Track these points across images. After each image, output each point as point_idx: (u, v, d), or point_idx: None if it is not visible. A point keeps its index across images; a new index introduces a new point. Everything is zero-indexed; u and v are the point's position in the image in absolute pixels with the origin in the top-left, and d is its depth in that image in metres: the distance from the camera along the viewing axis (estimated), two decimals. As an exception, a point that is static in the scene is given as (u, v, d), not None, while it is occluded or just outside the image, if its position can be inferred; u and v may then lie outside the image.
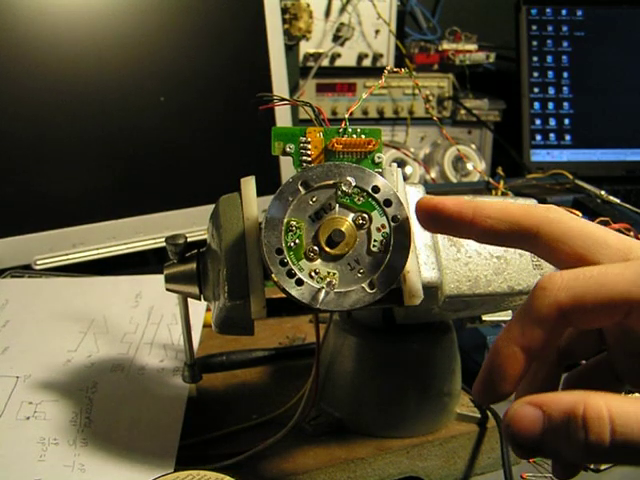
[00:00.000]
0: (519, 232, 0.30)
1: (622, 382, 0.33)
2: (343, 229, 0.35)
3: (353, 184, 0.35)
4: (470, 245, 0.42)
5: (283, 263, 0.35)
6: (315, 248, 0.35)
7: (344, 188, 0.35)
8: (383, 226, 0.36)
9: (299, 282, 0.35)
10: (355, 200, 0.36)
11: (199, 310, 0.62)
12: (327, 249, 0.36)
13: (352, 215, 0.36)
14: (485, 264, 0.42)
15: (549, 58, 1.16)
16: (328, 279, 0.36)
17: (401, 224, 0.36)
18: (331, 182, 0.36)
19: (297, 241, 0.35)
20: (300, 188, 0.36)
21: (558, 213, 0.30)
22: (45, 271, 0.73)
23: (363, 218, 0.36)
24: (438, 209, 0.32)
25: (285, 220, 0.35)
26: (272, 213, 0.35)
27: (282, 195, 0.36)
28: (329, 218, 0.36)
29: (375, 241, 0.36)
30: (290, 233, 0.35)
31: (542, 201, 0.85)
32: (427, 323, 0.49)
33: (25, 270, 0.72)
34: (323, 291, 0.35)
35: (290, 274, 0.35)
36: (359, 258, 0.36)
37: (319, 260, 0.36)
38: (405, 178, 0.41)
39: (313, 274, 0.36)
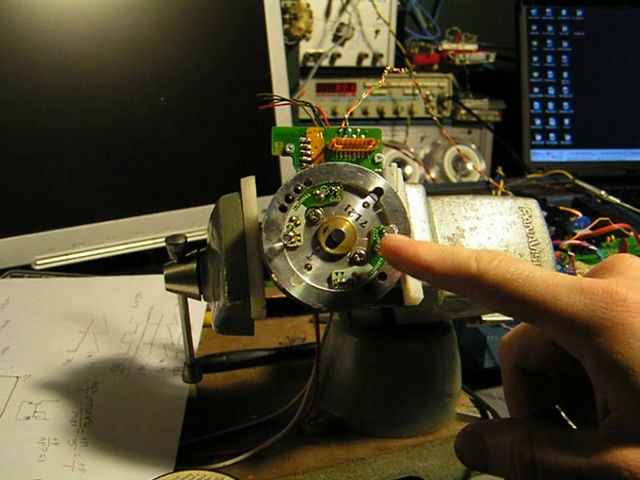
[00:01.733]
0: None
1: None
2: (343, 229, 0.35)
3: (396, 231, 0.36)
4: (470, 245, 0.42)
5: (283, 263, 0.35)
6: (315, 248, 0.35)
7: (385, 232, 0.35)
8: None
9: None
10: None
11: (199, 310, 0.62)
12: (327, 249, 0.36)
13: (354, 216, 0.36)
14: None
15: (549, 58, 1.16)
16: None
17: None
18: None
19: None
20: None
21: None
22: (45, 271, 0.73)
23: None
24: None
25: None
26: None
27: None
28: (329, 218, 0.36)
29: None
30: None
31: (542, 201, 0.85)
32: (427, 323, 0.49)
33: (25, 270, 0.72)
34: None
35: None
36: (359, 258, 0.36)
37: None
38: (405, 178, 0.41)
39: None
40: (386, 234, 0.35)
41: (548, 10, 1.16)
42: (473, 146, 1.17)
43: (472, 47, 1.17)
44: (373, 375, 0.48)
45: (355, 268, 0.36)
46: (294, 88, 1.05)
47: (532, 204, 0.45)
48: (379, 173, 0.37)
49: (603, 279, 0.28)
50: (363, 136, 0.38)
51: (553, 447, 0.27)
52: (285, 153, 0.38)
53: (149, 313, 0.63)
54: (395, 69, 0.42)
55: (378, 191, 0.36)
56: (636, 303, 0.26)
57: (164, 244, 0.42)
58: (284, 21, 0.97)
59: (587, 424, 0.33)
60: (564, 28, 1.16)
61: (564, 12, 1.16)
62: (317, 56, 1.10)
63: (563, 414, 0.34)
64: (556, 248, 0.60)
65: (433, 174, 1.14)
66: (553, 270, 0.42)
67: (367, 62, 1.14)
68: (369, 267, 0.36)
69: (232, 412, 0.51)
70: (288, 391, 0.52)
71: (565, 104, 1.15)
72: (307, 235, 0.36)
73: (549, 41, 1.16)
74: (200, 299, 0.43)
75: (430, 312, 0.44)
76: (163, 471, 0.42)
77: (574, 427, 0.33)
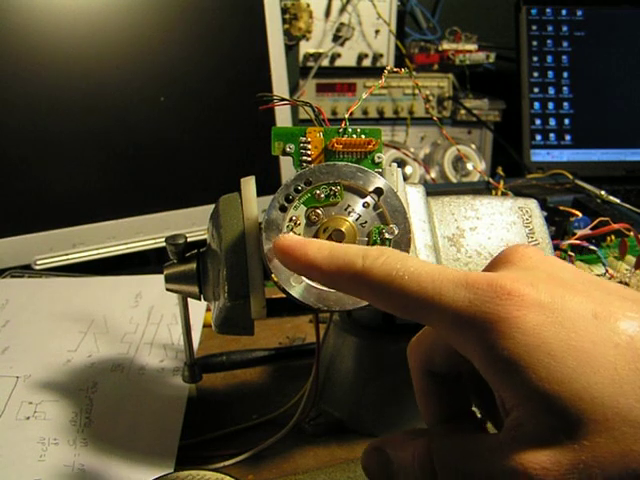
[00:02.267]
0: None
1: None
2: (343, 229, 0.35)
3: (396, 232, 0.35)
4: (470, 245, 0.43)
5: (283, 263, 0.35)
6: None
7: (387, 235, 0.35)
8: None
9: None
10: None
11: (199, 310, 0.62)
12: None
13: (354, 216, 0.36)
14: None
15: (549, 58, 1.16)
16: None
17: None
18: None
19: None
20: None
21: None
22: (45, 271, 0.73)
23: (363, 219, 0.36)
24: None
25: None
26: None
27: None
28: (329, 218, 0.36)
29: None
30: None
31: (542, 201, 0.85)
32: (427, 323, 0.49)
33: (25, 270, 0.72)
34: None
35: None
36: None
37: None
38: (405, 178, 0.41)
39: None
40: (386, 234, 0.35)
41: (548, 10, 1.16)
42: (473, 146, 1.17)
43: (472, 47, 1.17)
44: (373, 375, 0.48)
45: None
46: (294, 88, 1.05)
47: (532, 204, 0.45)
48: (379, 173, 0.37)
49: (492, 272, 0.27)
50: (363, 136, 0.38)
51: (454, 456, 0.26)
52: (285, 153, 0.38)
53: (149, 313, 0.63)
54: (395, 69, 0.42)
55: (378, 191, 0.36)
56: (521, 295, 0.24)
57: (164, 244, 0.42)
58: (284, 21, 0.97)
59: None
60: (564, 28, 1.16)
61: (564, 12, 1.16)
62: (317, 56, 1.10)
63: (479, 416, 0.32)
64: (556, 248, 0.60)
65: (433, 174, 1.14)
66: None
67: (367, 62, 1.14)
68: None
69: (232, 412, 0.51)
70: (288, 391, 0.52)
71: (565, 104, 1.15)
72: (307, 235, 0.36)
73: (549, 41, 1.16)
74: (200, 299, 0.43)
75: (430, 312, 0.44)
76: (163, 471, 0.42)
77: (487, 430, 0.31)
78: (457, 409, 0.31)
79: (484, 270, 0.30)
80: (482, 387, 0.30)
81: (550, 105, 1.15)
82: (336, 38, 1.10)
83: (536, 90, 1.15)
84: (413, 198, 0.41)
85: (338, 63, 1.12)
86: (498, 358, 0.24)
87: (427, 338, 0.31)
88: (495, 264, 0.29)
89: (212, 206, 0.42)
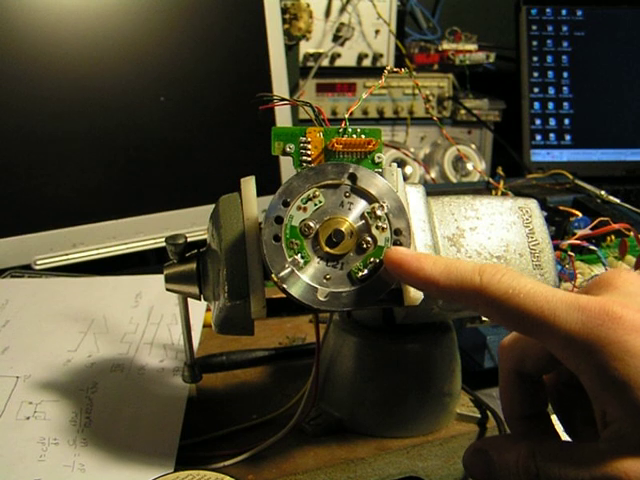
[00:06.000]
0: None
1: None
2: (343, 229, 0.35)
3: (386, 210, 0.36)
4: (470, 245, 0.42)
5: (283, 263, 0.35)
6: (315, 248, 0.36)
7: (378, 212, 0.36)
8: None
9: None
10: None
11: (199, 310, 0.62)
12: (327, 249, 0.36)
13: (353, 215, 0.36)
14: (485, 264, 0.42)
15: (549, 58, 1.16)
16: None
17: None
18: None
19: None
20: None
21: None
22: (45, 271, 0.73)
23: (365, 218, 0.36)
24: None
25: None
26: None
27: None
28: (329, 218, 0.36)
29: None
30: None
31: (542, 201, 0.85)
32: (427, 323, 0.49)
33: (25, 270, 0.72)
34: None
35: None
36: (359, 258, 0.36)
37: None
38: (405, 178, 0.41)
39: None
40: (390, 246, 0.36)
41: (548, 10, 1.16)
42: (473, 146, 1.17)
43: (472, 47, 1.17)
44: (373, 375, 0.48)
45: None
46: (294, 88, 1.05)
47: (532, 204, 0.45)
48: (379, 173, 0.37)
49: (600, 296, 0.29)
50: (363, 136, 0.38)
51: (556, 461, 0.28)
52: (285, 153, 0.38)
53: (149, 313, 0.63)
54: (395, 69, 0.42)
55: (352, 177, 0.36)
56: (631, 321, 0.27)
57: (164, 244, 0.42)
58: (284, 21, 0.97)
59: (575, 427, 0.34)
60: (564, 28, 1.16)
61: (564, 12, 1.16)
62: (317, 56, 1.10)
63: (553, 418, 0.35)
64: (556, 248, 0.60)
65: (433, 174, 1.14)
66: (553, 269, 0.42)
67: (367, 62, 1.14)
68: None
69: (232, 412, 0.51)
70: (288, 391, 0.52)
71: (565, 104, 1.15)
72: (313, 247, 0.36)
73: (549, 41, 1.16)
74: (200, 299, 0.43)
75: (430, 312, 0.44)
76: (163, 471, 0.42)
77: (563, 434, 0.35)
78: (536, 408, 0.35)
79: (584, 290, 0.32)
80: (563, 392, 0.35)
81: (550, 105, 1.15)
82: (336, 38, 1.10)
83: (536, 90, 1.15)
84: (413, 198, 0.41)
85: (338, 63, 1.12)
86: (607, 377, 0.27)
87: (520, 342, 0.34)
88: (597, 286, 0.32)
89: (212, 206, 0.42)
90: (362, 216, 0.36)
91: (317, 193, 0.36)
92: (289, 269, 0.35)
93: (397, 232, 0.36)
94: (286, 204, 0.36)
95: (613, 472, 0.26)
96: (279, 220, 0.35)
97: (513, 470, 0.30)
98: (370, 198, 0.36)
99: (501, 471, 0.31)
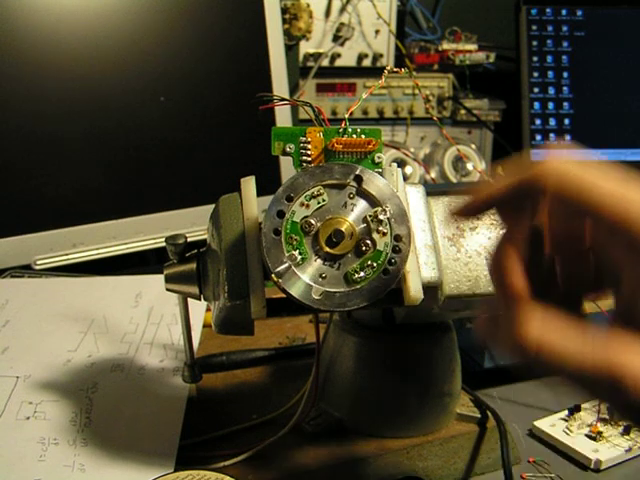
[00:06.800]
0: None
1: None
2: (343, 229, 0.35)
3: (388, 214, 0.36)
4: (470, 245, 0.42)
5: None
6: (315, 248, 0.36)
7: (381, 217, 0.36)
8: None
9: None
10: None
11: (199, 310, 0.61)
12: (327, 249, 0.36)
13: (353, 215, 0.36)
14: (485, 264, 0.42)
15: (549, 58, 1.15)
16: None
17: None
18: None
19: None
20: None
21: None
22: (45, 271, 0.73)
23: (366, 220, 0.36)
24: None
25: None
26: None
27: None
28: (331, 217, 0.36)
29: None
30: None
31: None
32: (427, 323, 0.49)
33: (25, 270, 0.72)
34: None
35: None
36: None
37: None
38: (405, 178, 0.41)
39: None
40: (380, 215, 0.36)
41: (548, 10, 1.16)
42: (473, 146, 1.17)
43: (472, 47, 1.17)
44: (373, 375, 0.48)
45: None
46: (294, 88, 1.05)
47: (532, 204, 0.45)
48: (379, 173, 0.37)
49: None
50: (363, 136, 0.38)
51: (562, 332, 0.26)
52: (285, 153, 0.38)
53: (149, 313, 0.63)
54: (395, 69, 0.42)
55: (357, 179, 0.36)
56: None
57: (164, 244, 0.42)
58: (284, 21, 0.97)
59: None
60: (564, 28, 1.16)
61: (564, 12, 1.16)
62: (317, 56, 1.09)
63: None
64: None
65: (433, 174, 1.14)
66: None
67: (367, 62, 1.14)
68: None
69: (232, 412, 0.51)
70: (288, 391, 0.52)
71: (565, 104, 1.15)
72: (311, 244, 0.36)
73: (549, 41, 1.16)
74: (200, 299, 0.43)
75: (430, 312, 0.44)
76: (163, 471, 0.42)
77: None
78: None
79: None
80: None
81: (550, 105, 1.15)
82: (336, 38, 1.10)
83: (536, 90, 1.15)
84: (413, 198, 0.41)
85: (338, 63, 1.12)
86: None
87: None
88: None
89: (212, 206, 0.42)
90: (364, 219, 0.36)
91: (321, 191, 0.36)
92: (286, 264, 0.35)
93: (397, 238, 0.36)
94: (290, 199, 0.36)
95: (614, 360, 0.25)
96: (281, 214, 0.35)
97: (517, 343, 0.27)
98: (373, 201, 0.36)
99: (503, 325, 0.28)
